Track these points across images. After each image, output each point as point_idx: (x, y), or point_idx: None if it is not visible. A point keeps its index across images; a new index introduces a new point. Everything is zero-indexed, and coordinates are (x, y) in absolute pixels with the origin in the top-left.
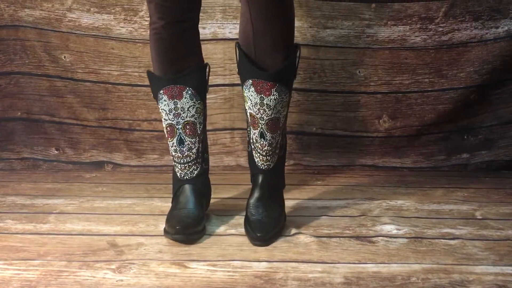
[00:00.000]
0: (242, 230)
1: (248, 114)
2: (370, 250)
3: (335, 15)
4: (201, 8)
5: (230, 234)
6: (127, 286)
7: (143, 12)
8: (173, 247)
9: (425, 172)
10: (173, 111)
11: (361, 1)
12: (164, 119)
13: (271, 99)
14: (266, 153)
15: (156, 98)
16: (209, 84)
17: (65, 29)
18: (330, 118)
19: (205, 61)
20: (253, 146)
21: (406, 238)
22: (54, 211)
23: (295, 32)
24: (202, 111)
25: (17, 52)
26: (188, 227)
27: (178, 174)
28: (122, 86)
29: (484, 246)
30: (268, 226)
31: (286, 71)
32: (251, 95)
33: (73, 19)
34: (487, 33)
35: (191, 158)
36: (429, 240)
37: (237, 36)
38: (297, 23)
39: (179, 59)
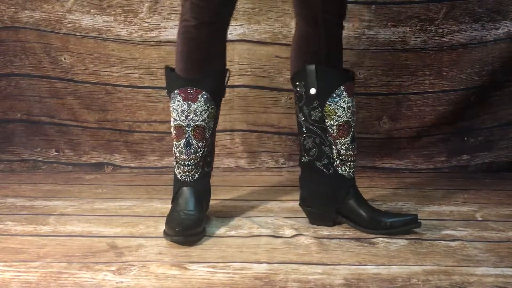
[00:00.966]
0: (242, 231)
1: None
2: (371, 252)
3: None
4: None
5: (230, 235)
6: (127, 287)
7: (143, 13)
8: (173, 249)
9: (425, 174)
10: (186, 113)
11: (361, 3)
12: (174, 119)
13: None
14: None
15: (170, 95)
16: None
17: (65, 31)
18: None
19: None
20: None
21: (407, 239)
22: (54, 213)
23: None
24: (214, 116)
25: (17, 54)
26: (187, 229)
27: (179, 176)
28: (122, 88)
29: (485, 247)
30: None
31: None
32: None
33: (73, 20)
34: (487, 34)
35: (195, 162)
36: (429, 241)
37: (236, 38)
38: None
39: (204, 60)
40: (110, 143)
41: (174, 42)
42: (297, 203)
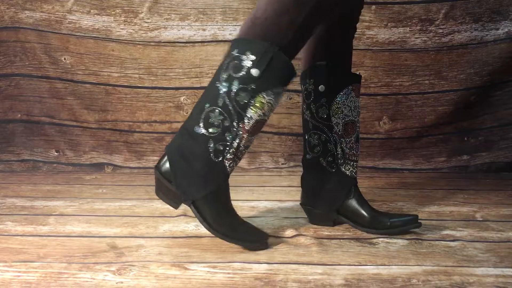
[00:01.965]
0: None
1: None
2: (371, 252)
3: None
4: (201, 9)
5: None
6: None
7: (143, 14)
8: (173, 249)
9: (425, 174)
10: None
11: None
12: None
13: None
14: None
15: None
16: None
17: (65, 31)
18: None
19: (205, 62)
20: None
21: (407, 240)
22: (54, 213)
23: None
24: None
25: (17, 54)
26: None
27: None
28: (122, 88)
29: (485, 248)
30: None
31: None
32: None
33: (73, 21)
34: (487, 34)
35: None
36: (429, 242)
37: None
38: None
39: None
40: (110, 143)
41: (174, 42)
42: (297, 203)
